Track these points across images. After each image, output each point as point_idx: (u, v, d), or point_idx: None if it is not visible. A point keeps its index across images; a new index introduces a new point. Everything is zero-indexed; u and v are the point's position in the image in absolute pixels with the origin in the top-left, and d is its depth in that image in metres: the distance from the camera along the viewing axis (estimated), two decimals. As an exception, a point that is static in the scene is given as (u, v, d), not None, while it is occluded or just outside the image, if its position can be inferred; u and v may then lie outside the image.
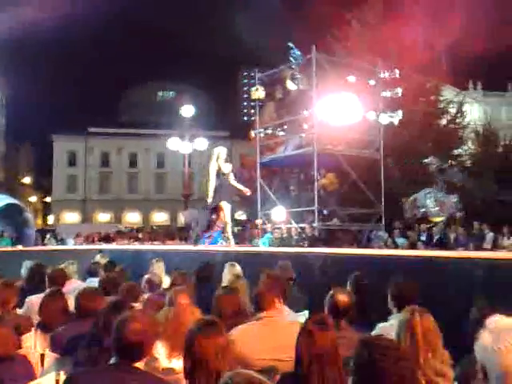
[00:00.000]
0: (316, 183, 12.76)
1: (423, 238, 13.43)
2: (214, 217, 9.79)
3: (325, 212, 13.80)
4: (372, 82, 13.05)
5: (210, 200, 9.33)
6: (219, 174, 9.36)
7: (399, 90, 12.94)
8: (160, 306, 3.58)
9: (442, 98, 19.44)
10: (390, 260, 5.76)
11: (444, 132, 19.31)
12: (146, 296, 4.50)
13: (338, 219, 14.06)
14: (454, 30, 18.08)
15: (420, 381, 2.32)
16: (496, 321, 1.98)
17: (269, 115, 14.17)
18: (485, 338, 1.91)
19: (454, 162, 19.95)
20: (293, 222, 13.35)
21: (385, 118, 13.25)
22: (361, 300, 4.71)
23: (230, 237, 9.61)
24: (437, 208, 13.62)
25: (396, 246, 12.98)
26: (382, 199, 13.67)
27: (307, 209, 13.41)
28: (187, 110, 19.60)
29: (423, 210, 13.90)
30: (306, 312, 4.89)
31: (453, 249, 11.76)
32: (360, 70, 13.16)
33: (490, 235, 12.87)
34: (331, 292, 3.66)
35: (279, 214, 13.79)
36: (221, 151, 9.47)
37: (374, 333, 3.77)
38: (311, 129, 12.69)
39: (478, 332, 2.01)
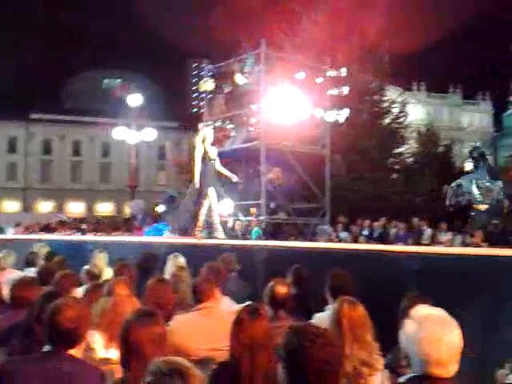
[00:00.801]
0: (262, 177, 12.87)
1: (365, 232, 13.84)
2: (197, 206, 8.91)
3: (272, 206, 13.98)
4: (319, 80, 13.27)
5: (196, 186, 8.64)
6: (205, 158, 8.60)
7: (345, 89, 13.24)
8: (98, 297, 3.54)
9: (385, 98, 20.05)
10: (331, 253, 5.93)
11: (387, 131, 19.95)
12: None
13: (284, 213, 14.29)
14: (398, 32, 18.67)
15: (345, 367, 2.42)
16: (419, 310, 2.10)
17: (218, 108, 14.13)
18: (408, 327, 2.03)
19: (395, 160, 20.65)
20: (240, 214, 13.42)
21: (331, 116, 13.52)
22: (300, 291, 4.86)
23: (218, 227, 8.90)
24: (481, 195, 12.68)
25: (339, 240, 13.31)
26: (328, 194, 14.00)
27: (254, 202, 13.51)
28: (134, 99, 19.22)
29: (468, 197, 12.90)
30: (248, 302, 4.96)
31: (392, 243, 12.18)
32: (308, 68, 13.34)
33: (428, 231, 13.38)
34: (270, 283, 3.75)
35: (226, 206, 13.82)
36: (207, 133, 8.81)
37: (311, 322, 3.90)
38: (259, 123, 12.78)
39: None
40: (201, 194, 8.69)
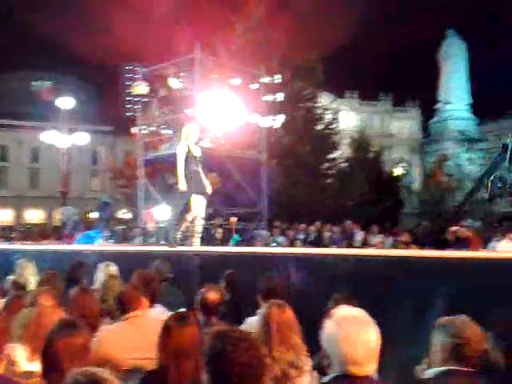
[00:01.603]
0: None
1: (301, 236, 14.08)
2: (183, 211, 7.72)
3: (209, 211, 13.95)
4: (255, 86, 13.42)
5: (182, 188, 7.41)
6: (189, 157, 7.52)
7: (280, 95, 13.47)
8: (19, 308, 3.40)
9: (319, 105, 20.56)
10: (266, 257, 5.99)
11: (320, 137, 20.45)
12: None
13: (221, 218, 14.31)
14: (330, 40, 19.19)
15: (270, 370, 2.46)
16: (340, 311, 2.16)
17: (153, 112, 13.94)
18: (328, 327, 2.09)
19: (329, 165, 21.17)
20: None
21: (267, 122, 13.71)
22: (233, 296, 4.88)
23: (197, 235, 7.81)
24: None
25: (276, 245, 13.47)
26: (265, 199, 14.16)
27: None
28: (66, 102, 18.59)
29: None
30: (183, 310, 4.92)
31: (327, 246, 12.46)
32: (243, 74, 13.46)
33: (359, 233, 13.80)
34: (201, 290, 3.75)
35: (163, 212, 13.65)
36: (191, 129, 7.77)
37: (242, 327, 3.93)
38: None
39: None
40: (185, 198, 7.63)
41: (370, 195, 20.26)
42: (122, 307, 3.40)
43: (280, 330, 2.71)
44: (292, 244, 13.34)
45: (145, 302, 3.48)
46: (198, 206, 7.64)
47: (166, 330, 2.53)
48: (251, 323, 3.54)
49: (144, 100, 13.70)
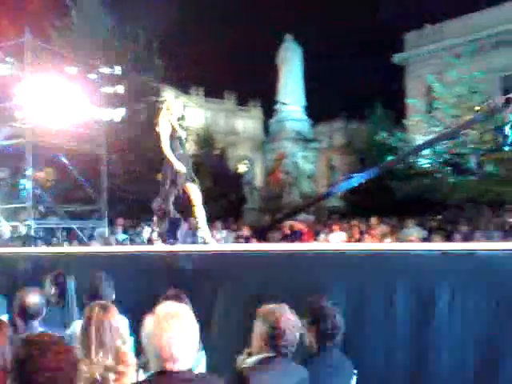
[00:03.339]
0: (28, 178, 11.87)
1: (144, 234, 13.83)
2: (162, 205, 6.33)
3: (41, 209, 13.02)
4: (93, 77, 12.80)
5: (181, 169, 6.17)
6: (174, 136, 6.33)
7: (120, 88, 13.06)
8: None
9: (162, 100, 20.32)
10: (96, 256, 5.76)
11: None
12: None
13: (56, 217, 13.47)
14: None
15: (86, 374, 2.37)
16: (159, 308, 2.15)
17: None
18: (146, 325, 2.06)
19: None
20: (1, 219, 12.16)
21: (107, 114, 13.17)
22: (61, 298, 4.63)
23: (206, 229, 6.65)
24: None
25: (117, 243, 13.07)
26: (105, 196, 13.62)
27: (20, 205, 12.37)
28: None
29: None
30: (5, 316, 4.55)
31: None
32: (81, 63, 12.75)
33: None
34: (19, 294, 3.47)
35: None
36: (172, 104, 6.55)
37: (69, 331, 3.73)
38: (25, 119, 11.73)
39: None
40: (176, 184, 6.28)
41: (215, 191, 20.67)
42: None
43: (100, 333, 2.62)
44: (135, 242, 13.07)
45: None
46: (197, 195, 6.52)
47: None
48: (77, 326, 3.37)
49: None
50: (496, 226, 11.96)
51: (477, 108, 5.36)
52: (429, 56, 27.06)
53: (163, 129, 6.30)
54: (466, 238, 10.39)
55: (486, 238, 10.40)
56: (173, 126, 6.34)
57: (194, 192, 6.49)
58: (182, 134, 6.54)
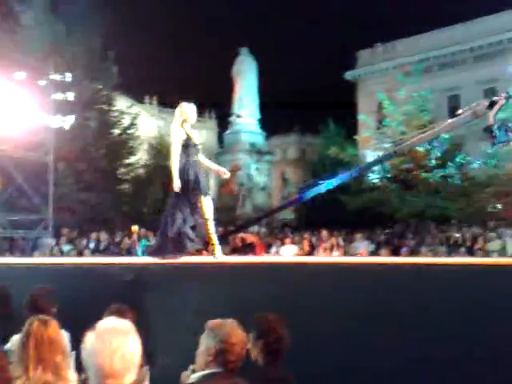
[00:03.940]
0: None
1: (92, 245, 13.46)
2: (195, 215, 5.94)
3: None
4: (42, 83, 12.47)
5: (177, 187, 5.71)
6: (188, 144, 5.90)
7: (71, 95, 12.78)
8: None
9: (115, 109, 20.03)
10: (39, 268, 5.55)
11: (117, 141, 19.92)
12: None
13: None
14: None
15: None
16: (101, 323, 2.07)
17: None
18: (86, 340, 1.98)
19: (125, 170, 20.79)
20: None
21: (55, 121, 12.85)
22: (5, 312, 4.42)
23: (216, 242, 6.04)
24: None
25: (62, 254, 12.67)
26: (51, 205, 13.24)
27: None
28: None
29: None
30: None
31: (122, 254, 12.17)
32: (30, 68, 12.39)
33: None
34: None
35: None
36: (188, 110, 6.02)
37: (7, 346, 3.57)
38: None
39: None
40: (188, 198, 5.87)
41: (164, 202, 20.42)
42: None
43: (39, 348, 2.52)
44: (81, 253, 12.70)
45: None
46: (210, 208, 5.98)
47: None
48: (16, 341, 3.23)
49: None
50: (441, 240, 12.38)
51: (459, 111, 5.57)
52: (380, 74, 27.94)
53: (176, 136, 5.88)
54: (413, 252, 10.70)
55: (431, 252, 10.76)
56: (187, 134, 5.95)
57: (207, 205, 6.05)
58: (197, 140, 6.11)
